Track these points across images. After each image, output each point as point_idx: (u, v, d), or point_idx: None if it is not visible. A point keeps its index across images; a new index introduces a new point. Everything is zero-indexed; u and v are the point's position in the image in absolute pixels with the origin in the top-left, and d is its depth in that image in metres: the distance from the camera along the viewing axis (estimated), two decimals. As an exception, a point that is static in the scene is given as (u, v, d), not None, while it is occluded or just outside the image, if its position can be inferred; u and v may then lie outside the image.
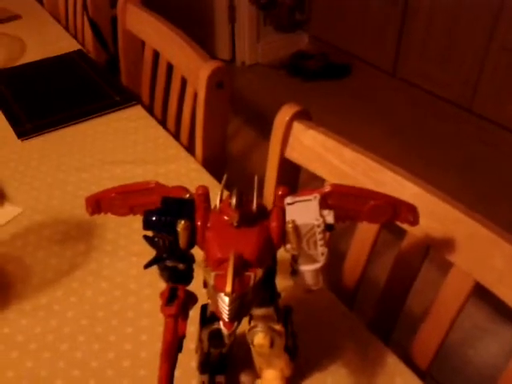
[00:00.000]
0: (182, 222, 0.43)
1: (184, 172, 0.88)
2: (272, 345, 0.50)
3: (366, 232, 0.66)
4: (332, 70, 2.62)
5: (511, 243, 0.52)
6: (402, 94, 2.43)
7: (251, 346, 0.51)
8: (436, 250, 0.59)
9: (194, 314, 0.50)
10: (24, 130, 0.98)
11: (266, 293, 0.48)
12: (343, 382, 0.56)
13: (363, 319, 0.65)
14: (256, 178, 0.46)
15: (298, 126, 0.71)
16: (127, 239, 0.74)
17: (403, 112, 2.37)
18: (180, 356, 0.48)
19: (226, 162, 0.97)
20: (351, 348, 0.60)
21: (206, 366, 0.54)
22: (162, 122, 1.05)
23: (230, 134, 2.25)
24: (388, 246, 0.94)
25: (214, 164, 0.91)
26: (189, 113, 0.94)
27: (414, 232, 0.60)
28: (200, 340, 0.53)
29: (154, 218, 0.44)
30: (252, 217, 0.44)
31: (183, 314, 0.49)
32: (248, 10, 2.61)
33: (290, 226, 0.43)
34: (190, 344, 0.54)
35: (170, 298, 0.47)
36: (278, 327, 0.50)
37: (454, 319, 0.58)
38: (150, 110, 1.10)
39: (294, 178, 0.77)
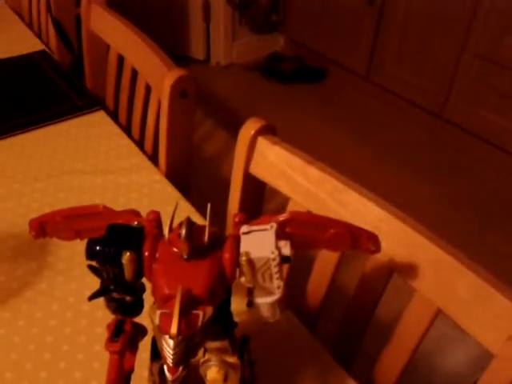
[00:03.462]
0: (128, 253, 0.40)
1: (146, 183, 0.84)
2: (226, 379, 0.47)
3: (328, 253, 0.64)
4: (307, 74, 2.60)
5: (476, 273, 0.50)
6: (376, 98, 2.43)
7: (205, 380, 0.48)
8: (399, 275, 0.58)
9: (149, 339, 0.47)
10: (-20, 135, 0.93)
11: (219, 326, 0.45)
12: (302, 412, 0.54)
13: (327, 342, 0.63)
14: (209, 206, 0.43)
15: (262, 142, 0.68)
16: (82, 257, 0.70)
17: (376, 116, 2.38)
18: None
19: (191, 174, 0.94)
20: (312, 375, 0.58)
21: (158, 398, 0.51)
22: (127, 129, 1.02)
23: (203, 136, 2.21)
24: (353, 260, 0.93)
25: (179, 175, 0.88)
26: (153, 121, 0.90)
27: (377, 255, 0.58)
28: (151, 373, 0.50)
29: (97, 248, 0.41)
30: (204, 248, 0.41)
31: (131, 347, 0.46)
32: (223, 10, 2.58)
33: (243, 259, 0.40)
34: (144, 371, 0.52)
35: (116, 331, 0.44)
36: (232, 360, 0.48)
37: (416, 346, 0.57)
38: (114, 115, 1.06)
39: (258, 193, 0.74)
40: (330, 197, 0.62)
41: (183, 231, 0.39)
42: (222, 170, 1.99)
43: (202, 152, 2.11)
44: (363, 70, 2.45)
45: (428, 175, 2.02)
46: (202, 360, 0.48)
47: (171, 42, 2.68)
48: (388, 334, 0.61)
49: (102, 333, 0.61)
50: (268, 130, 0.69)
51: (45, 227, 0.48)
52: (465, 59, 2.02)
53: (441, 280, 0.53)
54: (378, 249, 0.47)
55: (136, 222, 0.43)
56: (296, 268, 0.71)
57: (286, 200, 0.70)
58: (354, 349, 0.67)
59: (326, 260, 0.66)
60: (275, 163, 0.67)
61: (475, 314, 0.50)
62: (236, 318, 0.49)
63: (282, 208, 0.72)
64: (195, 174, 1.28)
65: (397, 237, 0.56)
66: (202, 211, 0.79)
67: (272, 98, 2.51)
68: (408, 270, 0.56)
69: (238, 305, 0.48)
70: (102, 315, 0.63)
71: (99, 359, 0.59)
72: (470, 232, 1.75)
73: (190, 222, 0.40)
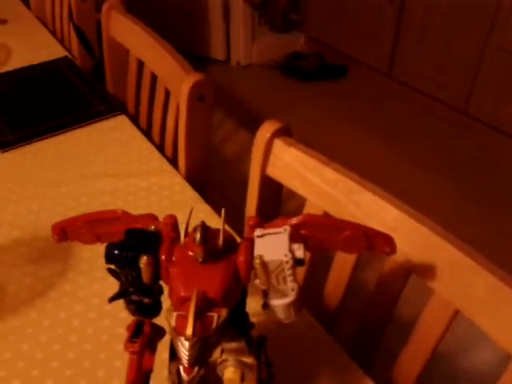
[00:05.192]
0: (145, 257, 0.41)
1: (167, 185, 0.86)
2: (243, 379, 0.48)
3: (346, 254, 0.64)
4: (328, 71, 2.59)
5: (493, 273, 0.50)
6: (398, 95, 2.41)
7: (222, 380, 0.49)
8: (417, 276, 0.57)
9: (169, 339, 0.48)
10: (6, 141, 0.96)
11: (235, 327, 0.46)
12: (320, 412, 0.55)
13: (344, 343, 0.64)
14: (223, 210, 0.44)
15: (278, 144, 0.69)
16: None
17: (399, 113, 2.35)
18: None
19: (210, 176, 0.95)
20: (329, 375, 0.58)
21: (178, 397, 0.52)
22: (147, 133, 1.03)
23: (224, 136, 2.23)
24: (371, 259, 0.93)
25: (197, 178, 0.90)
26: (172, 125, 0.92)
27: (394, 256, 0.58)
28: (170, 372, 0.51)
29: (115, 253, 0.42)
30: (218, 252, 0.42)
31: (150, 348, 0.47)
32: (242, 10, 2.59)
33: (257, 261, 0.41)
34: (165, 371, 0.53)
35: (135, 332, 0.46)
36: (249, 360, 0.49)
37: (434, 347, 0.57)
38: (135, 119, 1.08)
39: (276, 195, 0.75)
40: (345, 197, 0.62)
41: (198, 236, 0.40)
42: (242, 170, 2.00)
43: (223, 152, 2.12)
44: (385, 67, 2.43)
45: (453, 172, 1.99)
46: (219, 360, 0.49)
47: (191, 43, 2.70)
48: (410, 331, 0.61)
49: (124, 333, 0.63)
50: (284, 132, 0.69)
51: (66, 232, 0.50)
52: (488, 54, 1.99)
53: (458, 280, 0.53)
54: (393, 250, 0.47)
55: (153, 227, 0.45)
56: (315, 268, 0.72)
57: (304, 201, 0.71)
58: (374, 348, 0.67)
59: (344, 260, 0.66)
60: (291, 165, 0.68)
61: (493, 315, 0.50)
62: (253, 319, 0.50)
63: (300, 209, 0.72)
64: (216, 175, 1.29)
65: (413, 237, 0.56)
66: (220, 212, 0.80)
67: (293, 97, 2.51)
68: (425, 271, 0.55)
69: (255, 305, 0.48)
70: (124, 316, 0.64)
71: (121, 358, 0.60)
72: (495, 230, 1.72)
73: (204, 227, 0.41)
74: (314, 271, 0.71)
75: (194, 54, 2.68)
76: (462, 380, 1.34)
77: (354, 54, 2.56)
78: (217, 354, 0.49)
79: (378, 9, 2.33)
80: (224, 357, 0.49)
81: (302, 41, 2.83)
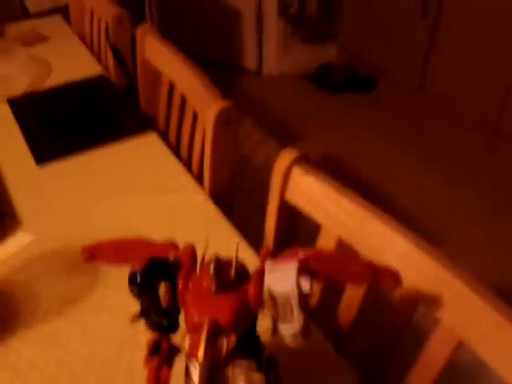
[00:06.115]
0: (163, 285, 0.45)
1: (192, 204, 0.90)
2: (252, 396, 0.52)
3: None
4: (358, 83, 2.61)
5: (496, 310, 0.52)
6: (429, 109, 2.40)
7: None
8: (425, 305, 0.60)
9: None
10: (42, 156, 1.02)
11: (246, 348, 0.49)
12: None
13: (355, 365, 0.66)
14: (237, 243, 0.47)
15: (297, 171, 0.72)
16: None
17: (429, 127, 2.34)
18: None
19: (235, 196, 0.99)
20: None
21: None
22: (176, 150, 1.08)
23: (253, 145, 2.27)
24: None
25: (222, 196, 0.94)
26: (199, 146, 0.97)
27: (404, 285, 0.60)
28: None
29: (137, 280, 0.47)
30: (230, 283, 0.45)
31: (167, 363, 0.51)
32: (276, 21, 2.63)
33: (266, 294, 0.44)
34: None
35: (153, 349, 0.50)
36: (258, 377, 0.52)
37: (438, 375, 0.59)
38: (165, 136, 1.14)
39: (294, 221, 0.78)
40: (360, 226, 0.65)
41: (211, 270, 0.44)
42: (268, 177, 2.04)
43: (252, 161, 2.16)
44: (416, 80, 2.42)
45: (486, 188, 1.96)
46: (230, 373, 0.53)
47: (226, 54, 2.76)
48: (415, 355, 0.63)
49: (144, 341, 0.67)
50: (303, 160, 0.72)
51: (95, 255, 0.54)
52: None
53: (463, 314, 0.55)
54: (397, 285, 0.50)
55: (173, 256, 0.49)
56: (328, 290, 0.74)
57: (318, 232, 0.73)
58: (384, 369, 0.69)
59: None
60: (309, 192, 0.71)
61: (495, 349, 0.52)
62: (264, 336, 0.53)
63: (317, 230, 0.75)
64: (244, 182, 1.32)
65: (422, 269, 0.59)
66: (244, 226, 0.84)
67: (322, 108, 2.53)
68: (432, 302, 0.58)
69: (267, 322, 0.51)
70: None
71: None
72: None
73: (217, 261, 0.44)
74: (328, 293, 0.74)
75: (227, 63, 2.74)
76: None
77: (386, 66, 2.57)
78: (228, 368, 0.52)
79: (412, 21, 2.33)
80: (235, 371, 0.52)
81: (334, 52, 2.84)
